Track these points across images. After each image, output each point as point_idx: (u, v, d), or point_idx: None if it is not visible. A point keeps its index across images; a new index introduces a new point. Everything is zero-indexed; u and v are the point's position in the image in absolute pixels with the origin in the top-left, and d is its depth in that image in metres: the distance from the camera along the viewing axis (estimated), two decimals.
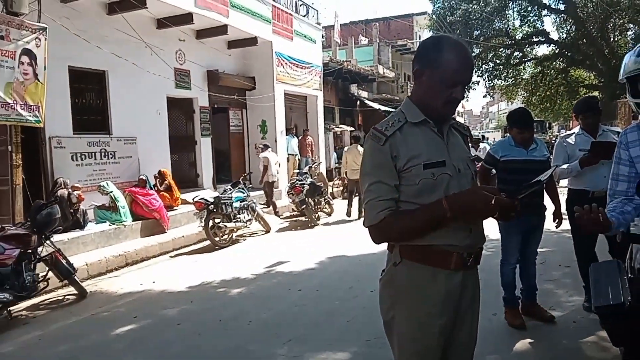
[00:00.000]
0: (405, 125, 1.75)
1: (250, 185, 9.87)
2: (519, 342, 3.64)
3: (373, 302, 4.55)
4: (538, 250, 4.14)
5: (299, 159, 13.81)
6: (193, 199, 7.96)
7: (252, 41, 11.67)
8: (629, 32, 21.88)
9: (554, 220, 4.11)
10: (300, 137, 14.21)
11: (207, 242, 7.95)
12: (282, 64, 12.86)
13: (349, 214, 10.11)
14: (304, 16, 14.69)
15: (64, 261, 5.35)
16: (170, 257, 7.49)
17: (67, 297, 5.51)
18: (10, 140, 6.18)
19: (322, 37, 16.16)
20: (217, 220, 7.84)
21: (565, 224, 4.05)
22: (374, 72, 20.79)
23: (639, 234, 1.99)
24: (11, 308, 4.82)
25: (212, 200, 7.82)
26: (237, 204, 8.21)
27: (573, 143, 4.00)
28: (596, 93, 24.35)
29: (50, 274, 5.23)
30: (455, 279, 1.75)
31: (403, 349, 1.78)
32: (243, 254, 7.42)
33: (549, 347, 3.57)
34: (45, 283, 5.13)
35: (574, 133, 4.12)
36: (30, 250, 5.03)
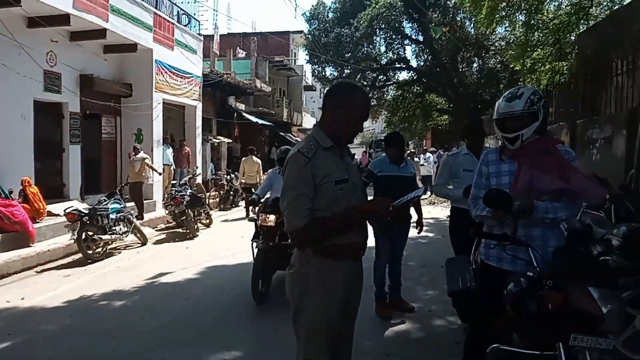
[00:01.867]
0: (319, 149, 2.21)
1: (127, 197, 9.54)
2: (387, 330, 4.30)
3: (257, 307, 4.90)
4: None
5: (174, 170, 13.61)
6: (64, 211, 7.50)
7: (131, 47, 11.29)
8: (474, 65, 25.35)
9: (416, 227, 4.86)
10: (177, 147, 14.00)
11: (78, 256, 7.54)
12: (161, 73, 12.61)
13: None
14: (185, 26, 14.58)
15: None
16: (37, 272, 6.96)
17: None
18: None
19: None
20: (90, 233, 7.48)
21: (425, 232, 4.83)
22: (252, 85, 21.18)
23: (487, 232, 2.64)
24: None
25: (86, 211, 7.47)
26: (113, 215, 7.92)
27: (460, 162, 4.27)
28: (446, 116, 27.71)
29: None
30: (354, 268, 2.30)
31: (313, 326, 2.20)
32: (120, 266, 7.21)
33: (411, 331, 4.29)
34: None
35: (460, 152, 4.39)
36: None
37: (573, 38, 10.59)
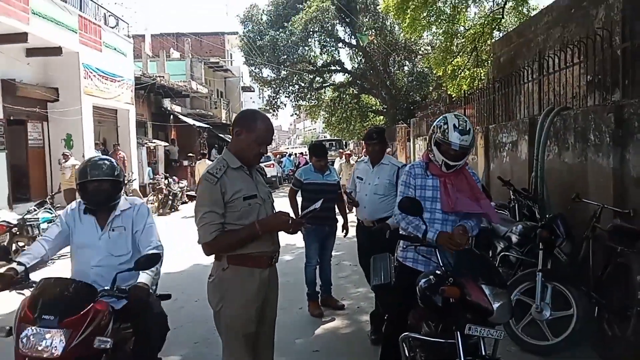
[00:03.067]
0: (228, 169, 2.50)
1: (58, 205, 9.29)
2: (318, 328, 4.64)
3: (199, 309, 5.08)
4: (333, 253, 5.24)
5: None
6: None
7: (56, 51, 10.99)
8: (405, 68, 26.43)
9: (342, 230, 5.22)
10: (110, 152, 13.68)
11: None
12: (90, 76, 12.31)
13: None
14: (113, 27, 14.26)
15: None
16: None
17: None
18: None
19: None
20: (21, 244, 7.31)
21: (352, 232, 5.21)
22: (187, 87, 20.93)
23: (405, 234, 3.00)
24: None
25: (15, 222, 7.28)
26: (44, 225, 7.75)
27: (358, 169, 4.61)
28: (381, 117, 28.67)
29: None
30: (265, 274, 2.57)
31: (230, 327, 2.50)
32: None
33: (340, 327, 4.67)
34: None
35: (363, 160, 4.67)
36: None
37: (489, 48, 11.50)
